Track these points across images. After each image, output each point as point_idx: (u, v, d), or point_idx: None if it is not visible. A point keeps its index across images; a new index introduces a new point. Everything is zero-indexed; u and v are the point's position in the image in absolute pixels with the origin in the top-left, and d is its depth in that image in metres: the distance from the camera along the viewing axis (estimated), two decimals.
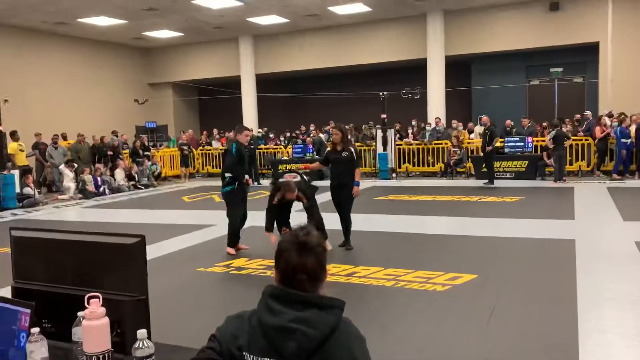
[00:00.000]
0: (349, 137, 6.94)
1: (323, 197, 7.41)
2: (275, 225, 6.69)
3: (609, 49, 15.06)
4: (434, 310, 4.55)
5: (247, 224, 7.99)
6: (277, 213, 6.68)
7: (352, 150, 6.82)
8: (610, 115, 14.19)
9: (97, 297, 1.79)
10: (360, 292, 5.12)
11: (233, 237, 6.90)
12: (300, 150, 16.91)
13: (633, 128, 13.31)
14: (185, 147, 17.41)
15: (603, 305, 4.48)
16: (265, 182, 14.71)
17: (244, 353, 1.49)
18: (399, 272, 5.67)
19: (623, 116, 13.72)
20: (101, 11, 16.01)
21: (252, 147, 15.67)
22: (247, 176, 7.04)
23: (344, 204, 6.81)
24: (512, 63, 18.49)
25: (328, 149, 7.66)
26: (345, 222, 6.84)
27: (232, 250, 6.86)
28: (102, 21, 17.12)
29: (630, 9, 15.86)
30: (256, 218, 7.50)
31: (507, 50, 17.83)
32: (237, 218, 6.90)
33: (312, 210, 6.59)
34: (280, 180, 6.86)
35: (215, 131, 19.37)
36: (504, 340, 3.86)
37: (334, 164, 6.90)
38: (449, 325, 4.20)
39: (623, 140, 13.16)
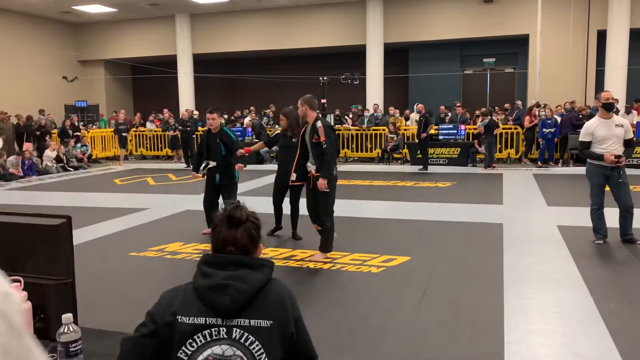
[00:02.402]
0: (299, 121, 6.25)
1: (261, 182, 7.36)
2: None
3: (538, 42, 15.75)
4: (368, 292, 4.65)
5: (182, 208, 7.86)
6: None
7: None
8: (538, 106, 14.89)
9: (18, 281, 1.70)
10: (297, 275, 5.15)
11: (206, 219, 6.62)
12: (239, 133, 16.65)
13: (559, 118, 14.04)
14: (122, 128, 16.67)
15: (527, 285, 4.73)
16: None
17: (177, 317, 1.51)
18: (335, 254, 5.75)
19: (546, 107, 14.48)
20: None
21: (188, 129, 15.32)
22: (204, 164, 6.53)
23: (293, 192, 6.50)
24: (448, 52, 18.99)
25: (277, 131, 7.39)
26: (294, 210, 6.58)
27: (207, 230, 6.56)
28: None
29: (558, 4, 16.63)
30: (189, 202, 7.35)
31: (444, 40, 18.29)
32: (204, 201, 6.64)
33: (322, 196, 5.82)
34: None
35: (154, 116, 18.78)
36: (434, 319, 4.00)
37: (282, 149, 6.58)
38: (382, 306, 4.30)
39: (544, 130, 13.86)
